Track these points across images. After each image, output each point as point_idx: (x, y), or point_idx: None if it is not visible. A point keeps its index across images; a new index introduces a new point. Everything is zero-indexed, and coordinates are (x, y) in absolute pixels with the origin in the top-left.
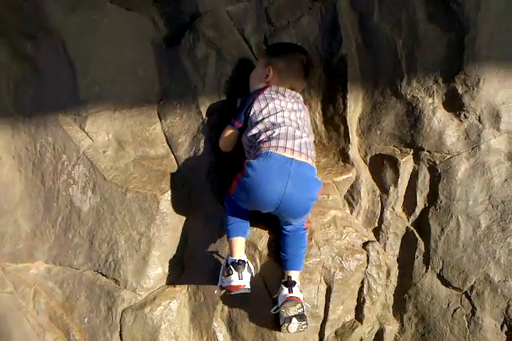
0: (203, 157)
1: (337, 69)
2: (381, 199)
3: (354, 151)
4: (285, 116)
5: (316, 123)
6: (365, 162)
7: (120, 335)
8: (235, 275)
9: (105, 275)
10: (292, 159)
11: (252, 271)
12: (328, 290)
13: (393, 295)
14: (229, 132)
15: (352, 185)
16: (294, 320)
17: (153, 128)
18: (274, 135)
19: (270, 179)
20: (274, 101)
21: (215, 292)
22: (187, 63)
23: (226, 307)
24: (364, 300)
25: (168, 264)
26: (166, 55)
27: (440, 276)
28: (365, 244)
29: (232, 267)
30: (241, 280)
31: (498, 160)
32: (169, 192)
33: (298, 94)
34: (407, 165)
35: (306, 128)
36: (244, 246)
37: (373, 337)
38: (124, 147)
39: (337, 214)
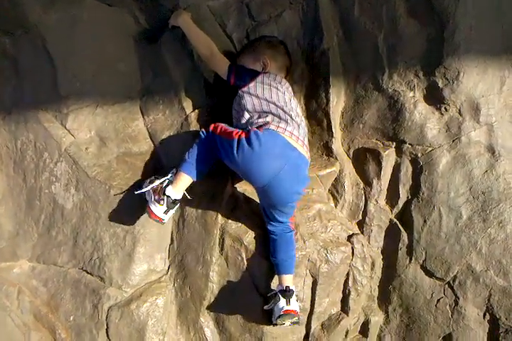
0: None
1: (319, 64)
2: (365, 192)
3: (337, 145)
4: (287, 102)
5: None
6: (348, 155)
7: (107, 333)
8: (159, 207)
9: (90, 273)
10: (295, 148)
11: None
12: (314, 283)
13: (378, 287)
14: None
15: (336, 178)
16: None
17: (135, 124)
18: (281, 116)
19: (270, 158)
20: (272, 87)
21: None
22: (169, 59)
23: (213, 303)
24: (349, 292)
25: (153, 261)
26: (147, 50)
27: (423, 267)
28: (349, 237)
29: (162, 197)
30: (165, 214)
31: (479, 152)
32: None
33: (288, 84)
34: (389, 158)
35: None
36: (187, 186)
37: (359, 328)
38: (107, 143)
39: (321, 208)
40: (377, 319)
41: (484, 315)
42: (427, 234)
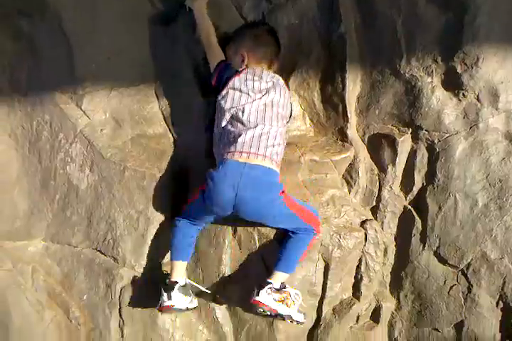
0: (202, 135)
1: (336, 48)
2: (379, 178)
3: (352, 130)
4: (253, 109)
5: (315, 103)
6: (363, 141)
7: (120, 312)
8: (164, 296)
9: (104, 253)
10: (245, 163)
11: (190, 290)
12: (326, 268)
13: (390, 273)
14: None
15: (350, 164)
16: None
17: (150, 106)
18: (236, 136)
19: (222, 185)
20: (247, 85)
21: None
22: (185, 41)
23: (225, 285)
24: (361, 277)
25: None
26: (162, 33)
27: (437, 254)
28: (363, 223)
29: (162, 288)
30: (170, 300)
31: (496, 139)
32: (167, 170)
33: (277, 76)
34: (405, 144)
35: (276, 117)
36: (184, 270)
37: (370, 314)
38: (122, 125)
39: (335, 193)
40: (388, 305)
41: (497, 303)
42: (441, 221)
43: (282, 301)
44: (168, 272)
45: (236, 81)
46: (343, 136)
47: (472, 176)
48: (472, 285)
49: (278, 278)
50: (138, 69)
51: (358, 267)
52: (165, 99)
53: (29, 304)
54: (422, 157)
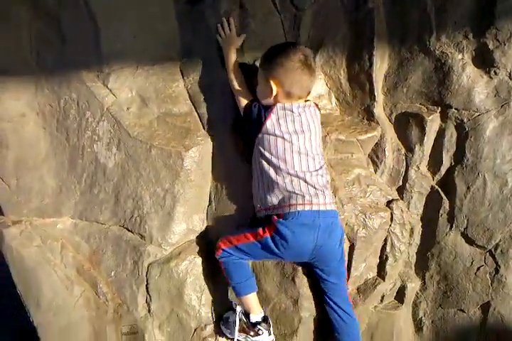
0: (227, 113)
1: (363, 25)
2: (406, 158)
3: (379, 109)
4: (294, 157)
5: (341, 81)
6: (390, 120)
7: (147, 288)
8: (265, 334)
9: (131, 231)
10: (319, 211)
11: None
12: (351, 248)
13: (416, 253)
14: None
15: (376, 143)
16: None
17: (176, 85)
18: (296, 191)
19: (303, 235)
20: (281, 126)
21: None
22: (210, 18)
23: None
24: (387, 257)
25: (192, 220)
26: (188, 10)
27: (464, 234)
28: (388, 202)
29: (260, 327)
30: (270, 335)
31: None
32: (193, 148)
33: (308, 103)
34: (433, 123)
35: (317, 149)
36: (258, 300)
37: (395, 294)
38: (148, 104)
39: (361, 173)
40: (413, 285)
41: None
42: (469, 202)
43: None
44: (245, 309)
45: (268, 124)
46: (369, 115)
47: (502, 156)
48: (500, 266)
49: None
50: (163, 47)
51: (384, 247)
52: (190, 78)
53: (59, 279)
54: (451, 136)
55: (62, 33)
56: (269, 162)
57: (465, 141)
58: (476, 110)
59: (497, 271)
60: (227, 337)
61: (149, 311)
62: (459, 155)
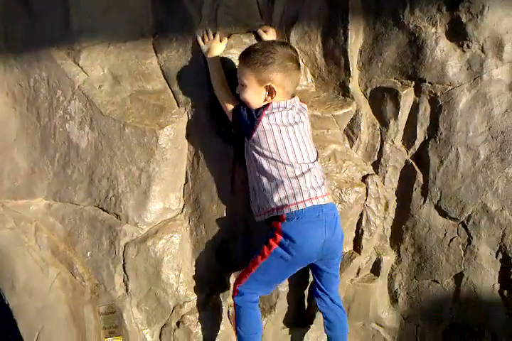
0: (201, 91)
1: None
2: (381, 133)
3: (354, 85)
4: (294, 147)
5: (316, 57)
6: (365, 95)
7: (123, 268)
8: None
9: (106, 211)
10: (321, 205)
11: None
12: None
13: (391, 227)
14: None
15: (352, 119)
16: None
17: (149, 62)
18: (294, 187)
19: (310, 232)
20: (277, 120)
21: None
22: None
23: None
24: (362, 231)
25: (168, 199)
26: None
27: (438, 207)
28: (364, 177)
29: None
30: None
31: (500, 91)
32: (168, 126)
33: (294, 99)
34: (407, 97)
35: (310, 142)
36: None
37: (370, 267)
38: (120, 81)
39: (337, 148)
40: (388, 258)
41: (497, 254)
42: (442, 175)
43: None
44: None
45: (264, 121)
46: (344, 90)
47: (474, 129)
48: (472, 237)
49: None
50: (135, 23)
51: (359, 221)
52: (163, 54)
53: (33, 261)
54: (425, 110)
55: (31, 9)
56: (269, 159)
57: (438, 115)
58: (449, 84)
59: (469, 242)
60: None
61: (127, 290)
62: (432, 129)
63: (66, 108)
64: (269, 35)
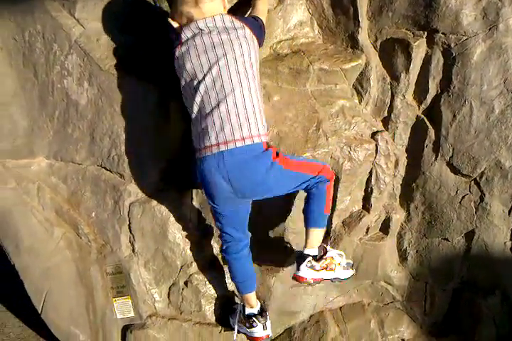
0: None
1: None
2: (391, 87)
3: (364, 36)
4: (214, 74)
5: (323, 7)
6: (375, 48)
7: (129, 228)
8: (259, 327)
9: (109, 170)
10: (222, 152)
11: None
12: (336, 181)
13: (400, 185)
14: None
15: (361, 72)
16: None
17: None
18: (204, 127)
19: (213, 180)
20: (196, 46)
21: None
22: None
23: None
24: (372, 190)
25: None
26: None
27: (450, 164)
28: (373, 134)
29: (255, 319)
30: (265, 330)
31: None
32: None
33: (220, 17)
34: (419, 49)
35: (245, 71)
36: (255, 297)
37: (380, 225)
38: None
39: (345, 104)
40: (398, 217)
41: (510, 211)
42: (455, 130)
43: (325, 268)
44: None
45: (183, 36)
46: (353, 42)
47: (489, 81)
48: (484, 195)
49: (313, 240)
50: None
51: (369, 179)
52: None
53: (37, 222)
54: (438, 62)
55: None
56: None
57: (452, 67)
58: (463, 34)
59: (482, 199)
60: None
61: (133, 250)
62: (445, 83)
63: (63, 63)
64: None
